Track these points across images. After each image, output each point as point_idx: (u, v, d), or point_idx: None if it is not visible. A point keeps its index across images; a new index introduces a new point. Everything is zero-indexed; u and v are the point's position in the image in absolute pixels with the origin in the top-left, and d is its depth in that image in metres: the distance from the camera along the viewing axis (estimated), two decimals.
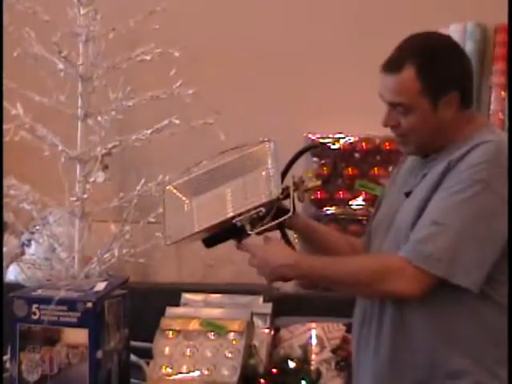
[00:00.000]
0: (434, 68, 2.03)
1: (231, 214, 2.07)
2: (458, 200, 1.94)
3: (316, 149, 2.16)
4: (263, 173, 2.15)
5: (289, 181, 2.14)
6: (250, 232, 2.07)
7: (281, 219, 2.08)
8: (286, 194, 2.11)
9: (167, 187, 2.20)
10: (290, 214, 2.07)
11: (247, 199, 2.11)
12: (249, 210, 2.06)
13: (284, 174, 2.16)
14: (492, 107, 3.38)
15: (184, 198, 2.19)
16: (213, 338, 2.72)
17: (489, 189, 1.94)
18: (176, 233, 2.11)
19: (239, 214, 2.07)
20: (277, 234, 2.13)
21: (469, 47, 3.26)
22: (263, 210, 2.07)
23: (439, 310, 2.01)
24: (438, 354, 2.01)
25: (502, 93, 3.35)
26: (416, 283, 1.94)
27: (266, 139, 2.19)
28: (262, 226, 2.07)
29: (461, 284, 1.92)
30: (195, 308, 2.87)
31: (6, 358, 2.62)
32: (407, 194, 2.09)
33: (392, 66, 2.03)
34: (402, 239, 2.02)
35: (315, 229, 2.30)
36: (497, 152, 1.98)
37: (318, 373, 2.71)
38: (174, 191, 2.20)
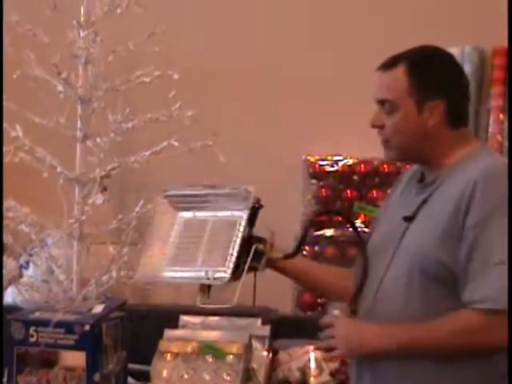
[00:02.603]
0: (424, 69, 2.06)
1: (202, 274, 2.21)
2: (497, 234, 1.95)
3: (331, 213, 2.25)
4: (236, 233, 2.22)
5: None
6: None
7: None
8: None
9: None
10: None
11: (213, 259, 2.22)
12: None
13: (301, 244, 2.24)
14: (490, 130, 3.39)
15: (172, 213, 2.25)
16: (211, 360, 2.70)
17: (505, 215, 1.96)
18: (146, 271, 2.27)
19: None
20: None
21: (466, 70, 3.26)
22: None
23: None
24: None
25: (500, 115, 3.37)
26: (503, 329, 1.93)
27: (248, 189, 2.24)
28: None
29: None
30: (193, 330, 2.86)
31: (2, 380, 2.60)
32: (407, 219, 2.09)
33: (386, 64, 2.09)
34: (413, 266, 2.02)
35: (305, 272, 2.33)
36: (505, 175, 2.00)
37: None
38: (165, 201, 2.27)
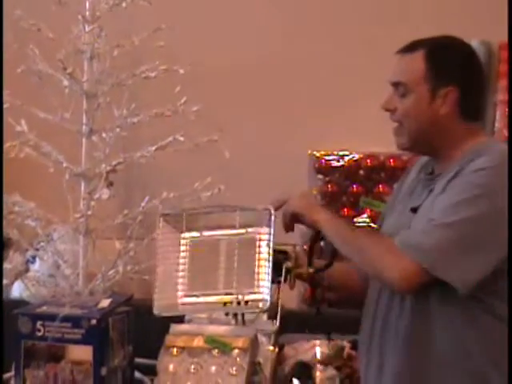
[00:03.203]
0: (442, 56, 2.06)
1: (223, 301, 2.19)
2: (456, 201, 1.94)
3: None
4: (258, 254, 2.18)
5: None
6: None
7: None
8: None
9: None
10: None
11: (238, 281, 2.18)
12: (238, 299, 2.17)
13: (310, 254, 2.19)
14: (497, 124, 3.38)
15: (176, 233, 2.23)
16: (217, 354, 2.70)
17: (488, 196, 1.93)
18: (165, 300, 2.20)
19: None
20: None
21: None
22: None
23: (444, 323, 2.00)
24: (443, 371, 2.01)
25: (507, 110, 3.35)
26: (404, 273, 1.93)
27: (267, 207, 2.20)
28: None
29: (445, 279, 1.91)
30: (199, 325, 2.86)
31: (10, 374, 2.61)
32: (414, 210, 2.08)
33: (406, 48, 2.09)
34: None
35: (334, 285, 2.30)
36: (502, 161, 1.98)
37: None
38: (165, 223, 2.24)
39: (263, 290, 2.14)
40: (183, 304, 2.28)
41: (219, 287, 2.24)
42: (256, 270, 2.19)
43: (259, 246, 2.20)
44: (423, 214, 2.02)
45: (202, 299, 2.27)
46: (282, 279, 2.16)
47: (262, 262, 2.17)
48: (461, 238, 1.92)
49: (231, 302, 2.21)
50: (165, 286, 2.25)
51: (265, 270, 2.16)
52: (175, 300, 2.27)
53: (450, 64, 2.06)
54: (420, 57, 2.05)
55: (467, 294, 1.92)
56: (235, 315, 2.27)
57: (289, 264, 2.18)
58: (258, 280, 2.18)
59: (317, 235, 2.18)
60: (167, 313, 2.25)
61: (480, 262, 1.93)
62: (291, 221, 2.14)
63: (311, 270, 2.21)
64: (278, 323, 2.21)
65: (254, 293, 2.19)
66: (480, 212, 1.92)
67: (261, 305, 2.15)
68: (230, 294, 2.21)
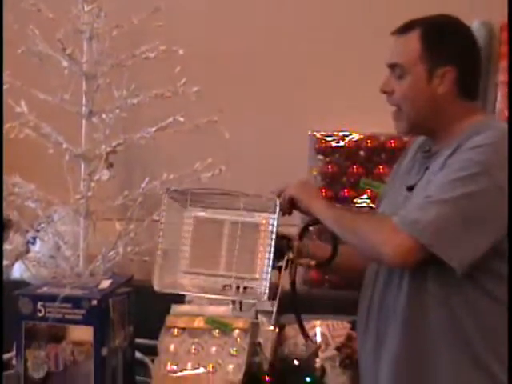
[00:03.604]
0: (438, 35, 2.05)
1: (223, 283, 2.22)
2: (454, 178, 1.93)
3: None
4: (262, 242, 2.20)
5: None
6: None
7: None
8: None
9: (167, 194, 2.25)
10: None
11: (238, 265, 2.21)
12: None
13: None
14: (498, 105, 3.37)
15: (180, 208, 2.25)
16: (218, 335, 2.72)
17: (487, 173, 1.92)
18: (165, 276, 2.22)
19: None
20: None
21: None
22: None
23: (441, 305, 2.00)
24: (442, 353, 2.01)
25: (508, 90, 3.34)
26: (399, 248, 1.93)
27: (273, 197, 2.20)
28: None
29: (441, 256, 1.90)
30: (200, 305, 2.87)
31: (11, 355, 2.63)
32: (410, 188, 2.08)
33: (402, 28, 2.08)
34: None
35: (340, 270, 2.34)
36: (502, 138, 1.97)
37: (323, 370, 2.70)
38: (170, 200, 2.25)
39: (262, 280, 2.15)
40: (183, 283, 2.29)
41: (220, 268, 2.25)
42: (257, 256, 2.20)
43: (263, 232, 2.21)
44: (419, 191, 2.02)
45: (202, 278, 2.28)
46: (283, 268, 2.17)
47: (264, 250, 2.18)
48: (458, 214, 1.91)
49: (230, 286, 2.22)
50: (167, 263, 2.26)
51: (266, 260, 2.16)
52: (176, 278, 2.28)
53: (446, 43, 2.04)
54: (415, 37, 2.04)
55: (463, 272, 1.92)
56: (233, 301, 2.28)
57: (290, 255, 2.19)
58: (259, 267, 2.19)
59: (312, 221, 2.19)
60: (168, 290, 2.26)
61: (478, 240, 1.92)
62: (288, 205, 2.15)
63: (312, 263, 2.21)
64: (275, 307, 2.21)
65: (253, 279, 2.20)
66: (478, 188, 1.92)
67: (258, 294, 2.16)
68: (230, 276, 2.22)
